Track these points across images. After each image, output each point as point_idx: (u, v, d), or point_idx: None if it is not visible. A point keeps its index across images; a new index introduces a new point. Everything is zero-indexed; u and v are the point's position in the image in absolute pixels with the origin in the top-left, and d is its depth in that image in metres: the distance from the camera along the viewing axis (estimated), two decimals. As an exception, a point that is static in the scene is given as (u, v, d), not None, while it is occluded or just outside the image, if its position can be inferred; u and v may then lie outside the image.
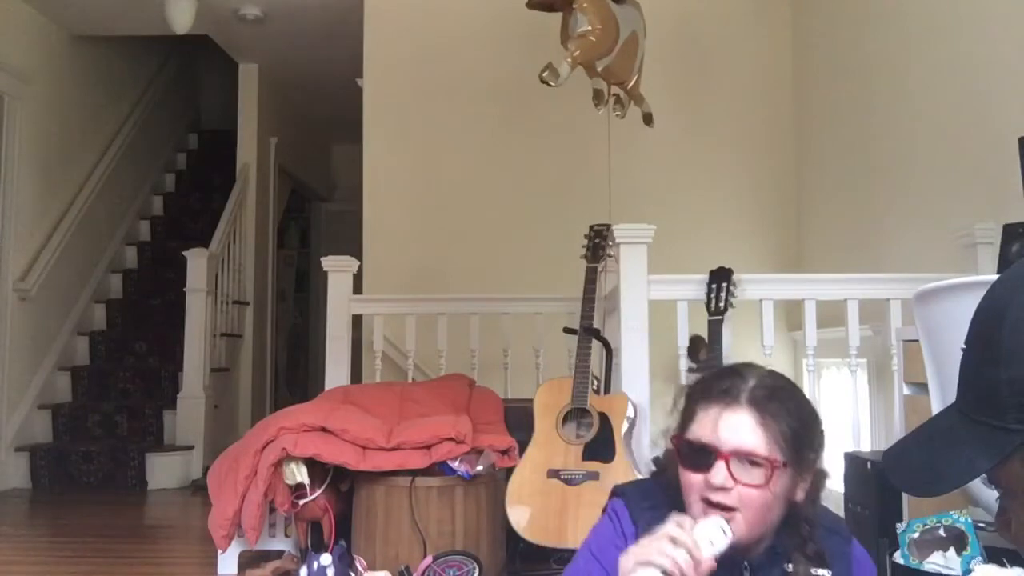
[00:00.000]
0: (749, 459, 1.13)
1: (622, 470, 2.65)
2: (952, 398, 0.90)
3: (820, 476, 1.22)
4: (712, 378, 1.23)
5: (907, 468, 0.89)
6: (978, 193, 2.99)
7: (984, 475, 0.83)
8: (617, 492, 1.33)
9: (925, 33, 3.43)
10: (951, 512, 1.73)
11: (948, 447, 0.84)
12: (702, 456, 1.15)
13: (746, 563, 1.19)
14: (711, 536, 1.10)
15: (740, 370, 1.22)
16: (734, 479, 1.13)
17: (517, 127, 4.80)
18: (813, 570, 1.18)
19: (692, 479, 1.16)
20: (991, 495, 1.68)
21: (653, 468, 1.38)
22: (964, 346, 0.86)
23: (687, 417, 1.20)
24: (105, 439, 5.16)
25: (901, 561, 1.74)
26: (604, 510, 1.32)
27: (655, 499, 1.26)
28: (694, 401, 1.21)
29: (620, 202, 4.21)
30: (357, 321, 3.90)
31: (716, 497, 1.14)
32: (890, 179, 3.68)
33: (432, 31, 4.90)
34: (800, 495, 1.18)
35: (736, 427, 1.14)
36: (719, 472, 1.13)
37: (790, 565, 1.18)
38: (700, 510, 1.15)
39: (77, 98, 5.77)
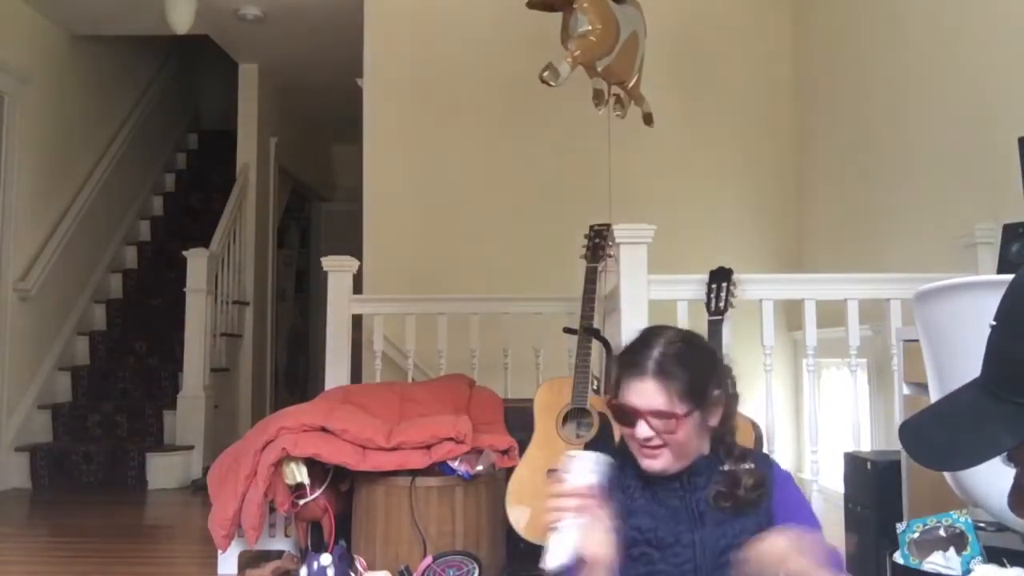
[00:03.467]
0: (661, 415, 1.44)
1: (622, 470, 2.65)
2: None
3: (732, 400, 1.54)
4: (628, 351, 1.53)
5: (925, 441, 0.88)
6: (978, 193, 2.99)
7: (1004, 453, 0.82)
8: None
9: (925, 33, 3.43)
10: (951, 512, 1.73)
11: (970, 422, 0.83)
12: (629, 416, 1.47)
13: (686, 476, 1.50)
14: (585, 470, 1.40)
15: (649, 339, 1.51)
16: (654, 430, 1.44)
17: (517, 127, 4.80)
18: (741, 465, 1.51)
19: (626, 432, 1.50)
20: (992, 495, 1.67)
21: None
22: (993, 322, 0.85)
23: (616, 384, 1.51)
24: (105, 439, 5.16)
25: (901, 561, 1.74)
26: None
27: (617, 455, 1.54)
28: (619, 371, 1.51)
29: (620, 202, 4.21)
30: (357, 321, 3.90)
31: (646, 444, 1.46)
32: (890, 179, 3.68)
33: (432, 31, 4.90)
34: (715, 421, 1.50)
35: (645, 392, 1.45)
36: (642, 428, 1.45)
37: (725, 466, 1.51)
38: (639, 452, 1.48)
39: (77, 98, 5.77)
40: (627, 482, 1.53)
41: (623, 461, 1.53)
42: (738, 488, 1.49)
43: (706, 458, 1.52)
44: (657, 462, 1.48)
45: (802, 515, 1.51)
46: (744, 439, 1.76)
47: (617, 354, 1.58)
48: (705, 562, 1.46)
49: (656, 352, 1.47)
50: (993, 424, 0.80)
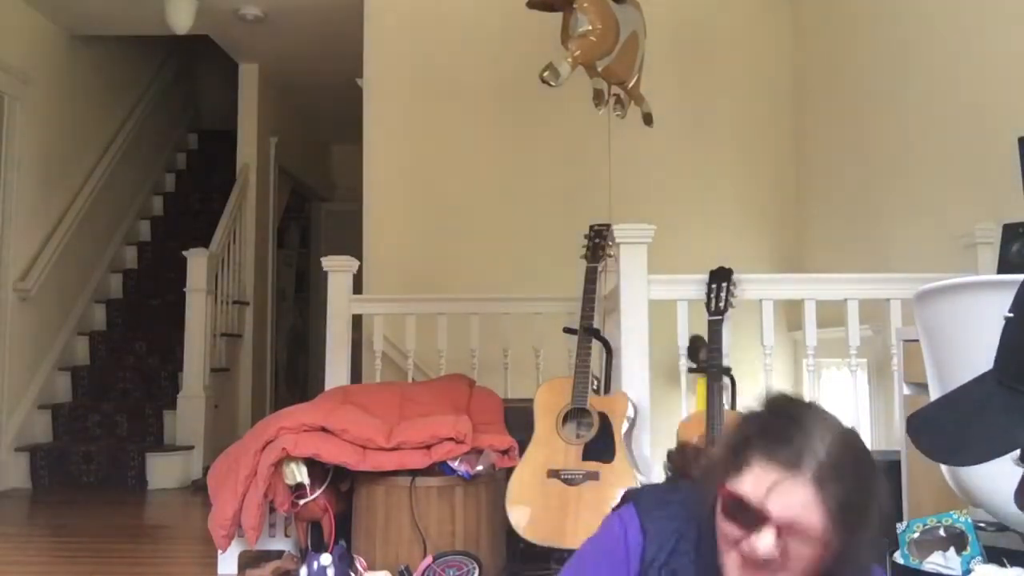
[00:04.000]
0: (801, 535, 1.03)
1: (622, 470, 2.65)
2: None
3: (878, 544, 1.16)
4: (777, 429, 1.08)
5: (934, 434, 0.84)
6: (978, 193, 2.99)
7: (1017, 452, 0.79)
8: (629, 496, 1.24)
9: (925, 33, 3.43)
10: (951, 512, 1.73)
11: (981, 416, 0.79)
12: (747, 517, 1.05)
13: None
14: None
15: (807, 426, 1.07)
16: (781, 552, 1.04)
17: (517, 127, 4.80)
18: None
19: (732, 532, 1.08)
20: (992, 494, 1.68)
21: (666, 469, 1.32)
22: (1009, 314, 0.82)
23: (740, 463, 1.08)
24: (105, 439, 5.16)
25: (901, 561, 1.74)
26: (611, 512, 1.25)
27: (671, 509, 1.18)
28: (751, 449, 1.08)
29: (620, 202, 4.21)
30: (357, 321, 3.90)
31: (754, 562, 1.05)
32: (890, 179, 3.68)
33: (432, 31, 4.90)
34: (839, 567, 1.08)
35: (795, 502, 1.03)
36: (766, 541, 1.04)
37: None
38: (735, 565, 1.08)
39: (77, 98, 5.77)
40: (678, 565, 1.16)
41: (680, 537, 1.16)
42: None
43: None
44: None
45: None
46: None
47: (751, 419, 1.14)
48: None
49: (822, 452, 1.04)
50: (1007, 418, 0.77)
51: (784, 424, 1.08)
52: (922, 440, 0.86)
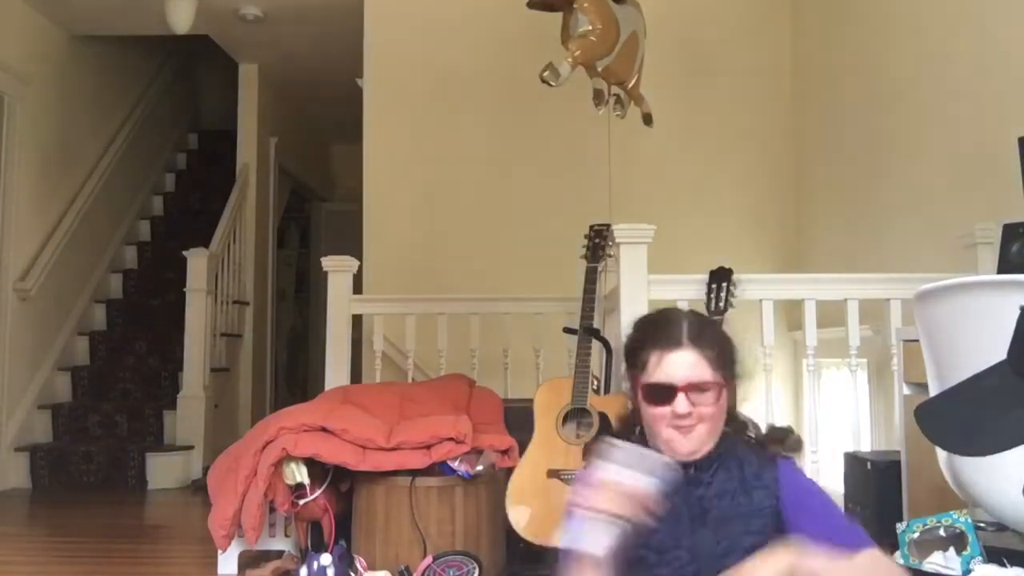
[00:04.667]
0: (700, 387, 1.40)
1: (622, 470, 2.64)
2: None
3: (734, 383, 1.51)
4: (650, 328, 1.49)
5: (945, 424, 0.83)
6: (978, 193, 2.99)
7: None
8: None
9: (925, 33, 3.43)
10: (951, 512, 1.73)
11: (996, 407, 0.78)
12: (663, 393, 1.40)
13: (692, 470, 1.44)
14: (649, 472, 1.30)
15: (670, 316, 1.51)
16: (692, 404, 1.39)
17: (517, 127, 4.80)
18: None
19: (658, 412, 1.42)
20: (992, 494, 1.67)
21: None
22: None
23: (641, 363, 1.45)
24: (105, 439, 5.16)
25: (901, 561, 1.74)
26: None
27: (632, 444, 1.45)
28: (644, 349, 1.45)
29: (620, 202, 4.20)
30: (357, 321, 3.90)
31: (681, 421, 1.40)
32: (890, 179, 3.68)
33: (432, 31, 4.90)
34: (732, 401, 1.48)
35: (684, 364, 1.41)
36: (681, 402, 1.39)
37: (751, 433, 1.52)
38: (666, 434, 1.41)
39: (77, 98, 5.77)
40: None
41: None
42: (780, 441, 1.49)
43: (711, 452, 1.46)
44: (691, 442, 1.41)
45: (812, 504, 1.45)
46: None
47: (634, 335, 1.52)
48: (704, 565, 1.40)
49: (685, 325, 1.45)
50: (1021, 409, 0.75)
51: (655, 323, 1.50)
52: (934, 430, 0.85)
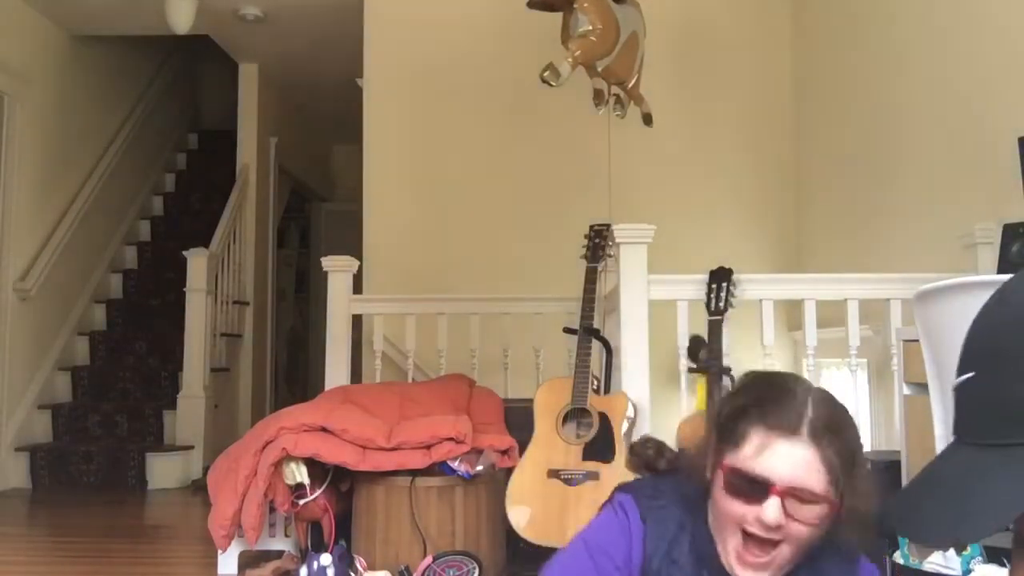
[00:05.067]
0: (803, 497, 1.05)
1: (622, 470, 2.65)
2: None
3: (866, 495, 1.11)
4: (767, 398, 1.11)
5: (923, 518, 0.76)
6: (978, 193, 2.99)
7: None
8: (623, 487, 1.24)
9: (925, 33, 3.43)
10: (951, 512, 1.73)
11: (972, 485, 0.72)
12: (752, 488, 1.06)
13: None
14: None
15: (794, 388, 1.11)
16: (787, 516, 1.04)
17: (517, 127, 4.80)
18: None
19: (735, 508, 1.08)
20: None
21: (628, 464, 1.30)
22: (970, 374, 0.76)
23: (737, 436, 1.09)
24: (105, 439, 5.16)
25: (901, 561, 1.74)
26: (605, 504, 1.23)
27: (666, 498, 1.18)
28: (747, 420, 1.09)
29: (620, 202, 4.21)
30: (357, 321, 3.90)
31: (764, 533, 1.06)
32: (890, 179, 3.68)
33: (432, 31, 4.90)
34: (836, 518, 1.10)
35: (796, 462, 1.05)
36: (772, 509, 1.04)
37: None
38: (737, 541, 1.08)
39: (77, 98, 5.77)
40: (675, 554, 1.15)
41: (678, 527, 1.15)
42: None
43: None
44: (760, 568, 1.07)
45: None
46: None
47: (737, 397, 1.16)
48: None
49: (811, 411, 1.07)
50: (1006, 479, 0.70)
51: (774, 391, 1.11)
52: (914, 530, 0.78)
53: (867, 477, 1.10)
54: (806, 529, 1.05)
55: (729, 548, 1.09)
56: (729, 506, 1.08)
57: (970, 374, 0.75)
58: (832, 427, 1.07)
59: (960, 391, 0.77)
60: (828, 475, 1.05)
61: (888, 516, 0.80)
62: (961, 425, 0.77)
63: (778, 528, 1.04)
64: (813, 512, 1.04)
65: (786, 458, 1.05)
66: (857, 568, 1.15)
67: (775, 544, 1.05)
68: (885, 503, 0.84)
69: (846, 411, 1.13)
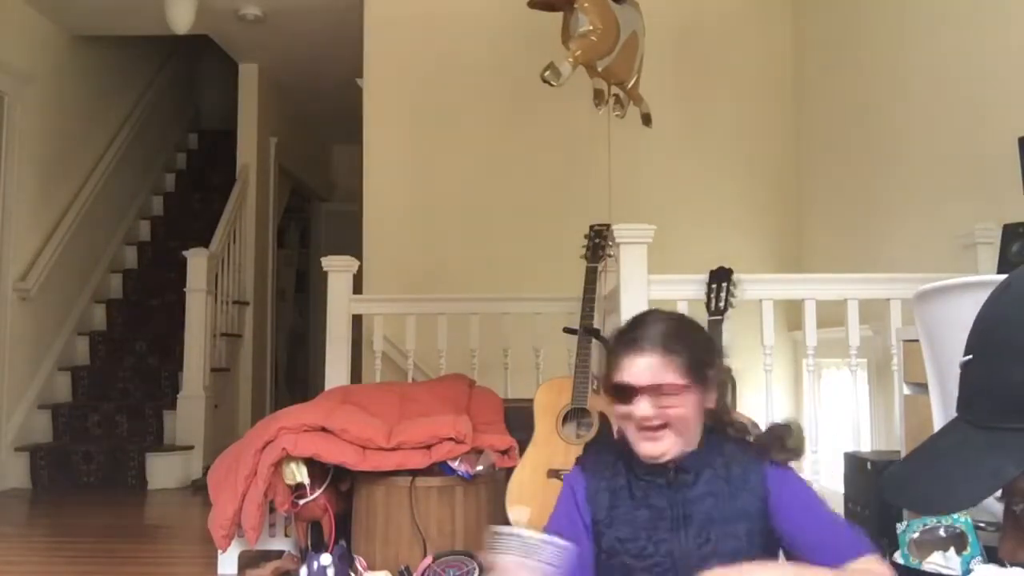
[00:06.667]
0: (663, 390, 1.40)
1: (622, 470, 2.65)
2: (953, 397, 0.88)
3: (724, 382, 1.51)
4: (622, 332, 1.50)
5: (916, 487, 0.84)
6: (978, 193, 2.99)
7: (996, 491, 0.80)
8: (580, 456, 1.61)
9: (925, 33, 3.43)
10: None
11: (964, 460, 0.80)
12: (626, 395, 1.42)
13: (673, 472, 1.44)
14: (550, 564, 1.26)
15: (643, 319, 1.51)
16: (656, 408, 1.40)
17: (517, 127, 4.80)
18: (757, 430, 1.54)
19: (621, 411, 1.45)
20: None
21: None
22: (969, 356, 0.82)
23: (611, 364, 1.47)
24: (105, 439, 5.16)
25: (901, 561, 1.74)
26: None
27: (604, 448, 1.57)
28: (614, 352, 1.48)
29: (620, 202, 4.21)
30: (357, 321, 3.90)
31: (646, 423, 1.41)
32: (890, 179, 3.68)
33: (432, 31, 4.90)
34: (711, 403, 1.47)
35: (643, 367, 1.42)
36: (641, 406, 1.41)
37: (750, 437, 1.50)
38: (634, 432, 1.43)
39: (77, 98, 5.77)
40: (614, 482, 1.49)
41: (615, 458, 1.51)
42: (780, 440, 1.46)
43: (694, 452, 1.46)
44: (659, 445, 1.41)
45: (801, 508, 1.41)
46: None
47: (612, 338, 1.55)
48: (684, 569, 1.38)
49: (654, 328, 1.46)
50: (992, 457, 0.77)
51: (626, 326, 1.51)
52: (905, 497, 0.86)
53: (713, 365, 1.47)
54: (674, 412, 1.41)
55: (634, 440, 1.44)
56: (619, 411, 1.45)
57: (970, 356, 0.81)
58: (675, 336, 1.44)
59: (963, 370, 0.83)
60: (678, 370, 1.40)
61: (889, 484, 0.88)
62: (961, 403, 0.83)
63: (654, 417, 1.40)
64: (675, 400, 1.40)
65: (640, 366, 1.42)
66: (763, 465, 1.45)
67: (659, 428, 1.41)
68: (887, 473, 0.93)
69: (692, 325, 1.54)
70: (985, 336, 0.82)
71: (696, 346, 1.46)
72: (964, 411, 0.83)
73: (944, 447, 0.84)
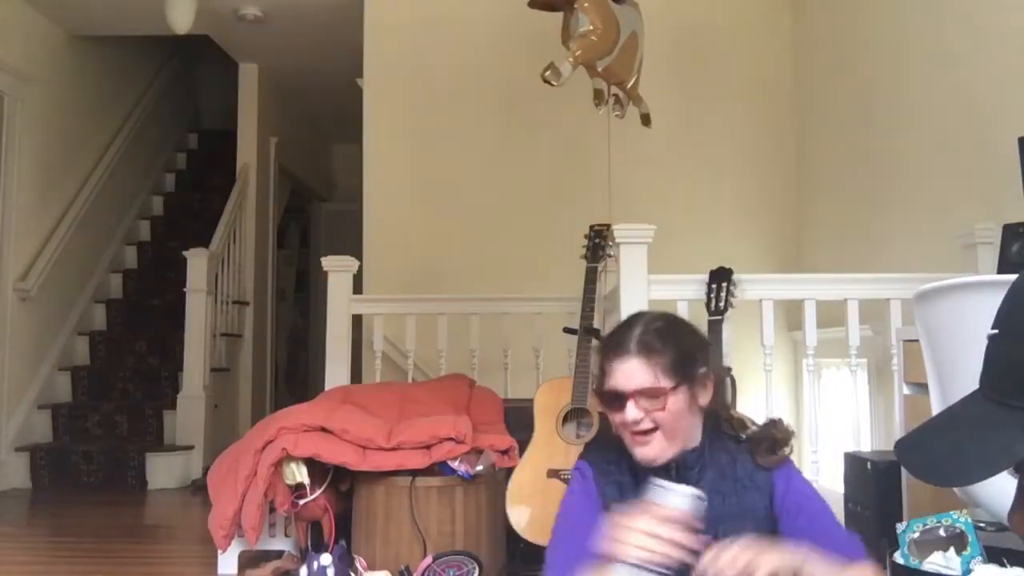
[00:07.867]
0: (648, 393, 1.40)
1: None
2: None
3: (720, 379, 1.50)
4: (609, 336, 1.51)
5: (929, 458, 0.85)
6: (978, 193, 2.99)
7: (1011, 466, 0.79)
8: (580, 455, 1.59)
9: (925, 33, 3.43)
10: (951, 512, 1.73)
11: (977, 434, 0.80)
12: (615, 400, 1.43)
13: (675, 469, 1.44)
14: (688, 508, 1.24)
15: (629, 321, 1.49)
16: (645, 411, 1.40)
17: (517, 127, 4.80)
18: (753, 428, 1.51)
19: (616, 418, 1.45)
20: (992, 495, 1.67)
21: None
22: (994, 330, 0.82)
23: (601, 372, 1.48)
24: (105, 439, 5.16)
25: (901, 561, 1.74)
26: (573, 471, 1.55)
27: (607, 444, 1.53)
28: (601, 358, 1.49)
29: (620, 202, 4.20)
30: (357, 321, 3.90)
31: (635, 427, 1.41)
32: (890, 179, 3.68)
33: (432, 31, 4.90)
34: (705, 400, 1.46)
35: (628, 371, 1.41)
36: (629, 410, 1.40)
37: (742, 435, 1.49)
38: (629, 437, 1.44)
39: (77, 98, 5.77)
40: (620, 479, 1.49)
41: (618, 456, 1.50)
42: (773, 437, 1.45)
43: (696, 450, 1.46)
44: (650, 448, 1.42)
45: (807, 510, 1.43)
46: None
47: (601, 343, 1.56)
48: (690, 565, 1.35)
49: (637, 331, 1.44)
50: (1005, 432, 0.77)
51: (611, 333, 1.52)
52: (917, 465, 0.86)
53: (703, 363, 1.46)
54: (664, 414, 1.40)
55: (629, 445, 1.45)
56: (613, 418, 1.45)
57: (996, 331, 0.82)
58: (659, 336, 1.43)
59: (989, 344, 0.83)
60: (664, 371, 1.40)
61: (902, 452, 0.89)
62: (983, 376, 0.83)
63: (642, 420, 1.40)
64: (662, 402, 1.40)
65: (624, 372, 1.42)
66: (773, 474, 1.46)
67: (649, 431, 1.41)
68: (901, 441, 0.92)
69: (679, 323, 1.53)
70: (1012, 314, 0.82)
71: (682, 344, 1.45)
72: (985, 385, 0.83)
73: (961, 419, 0.84)
